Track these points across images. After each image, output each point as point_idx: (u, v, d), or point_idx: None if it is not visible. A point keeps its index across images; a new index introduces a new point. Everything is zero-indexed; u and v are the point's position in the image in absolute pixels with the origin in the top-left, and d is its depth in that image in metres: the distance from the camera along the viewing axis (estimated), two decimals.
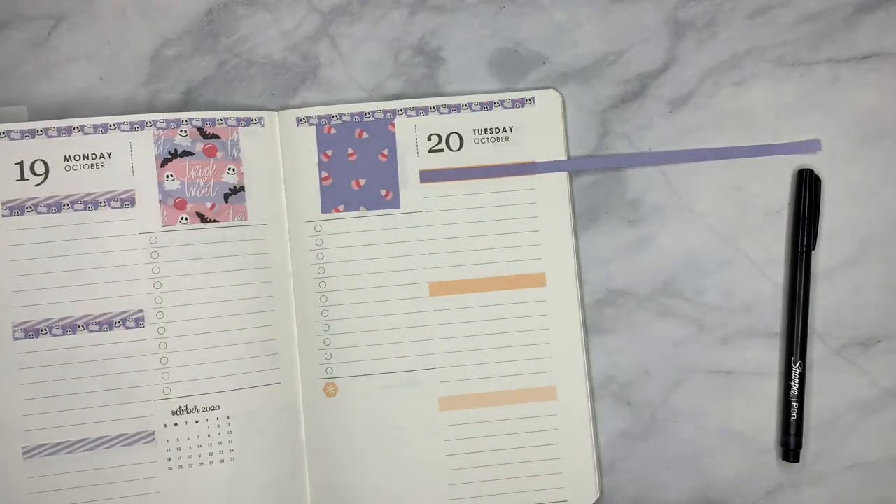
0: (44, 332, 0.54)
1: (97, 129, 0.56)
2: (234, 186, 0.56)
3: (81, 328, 0.55)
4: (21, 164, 0.55)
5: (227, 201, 0.56)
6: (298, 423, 0.56)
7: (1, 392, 0.54)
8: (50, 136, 0.55)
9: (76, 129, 0.55)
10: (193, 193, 0.56)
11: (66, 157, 0.55)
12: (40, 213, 0.55)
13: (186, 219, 0.56)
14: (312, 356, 0.56)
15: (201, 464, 0.55)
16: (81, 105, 0.58)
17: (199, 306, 0.55)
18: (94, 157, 0.55)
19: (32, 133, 0.55)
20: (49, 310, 0.55)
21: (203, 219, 0.56)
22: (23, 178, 0.55)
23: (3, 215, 0.55)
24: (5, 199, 0.55)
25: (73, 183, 0.55)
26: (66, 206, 0.55)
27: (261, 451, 0.56)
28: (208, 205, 0.56)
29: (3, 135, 0.55)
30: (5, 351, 0.54)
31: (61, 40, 0.58)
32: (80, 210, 0.55)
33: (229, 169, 0.56)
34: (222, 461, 0.55)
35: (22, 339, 0.54)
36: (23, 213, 0.55)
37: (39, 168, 0.55)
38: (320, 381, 0.56)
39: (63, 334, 0.54)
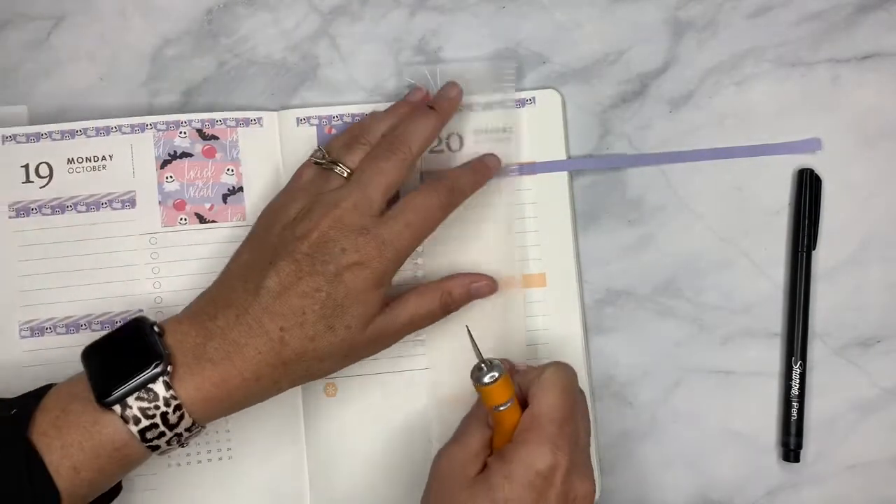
0: (48, 330, 0.55)
1: (99, 131, 0.56)
2: (233, 187, 0.56)
3: (84, 327, 0.55)
4: (27, 166, 0.56)
5: (225, 202, 0.56)
6: (298, 422, 0.56)
7: (9, 390, 0.54)
8: (54, 140, 0.56)
9: (79, 132, 0.56)
10: (192, 194, 0.56)
11: (69, 159, 0.56)
12: (45, 214, 0.56)
13: (185, 220, 0.56)
14: None
15: (199, 461, 0.55)
16: (81, 105, 0.58)
17: None
18: (96, 159, 0.56)
19: (37, 136, 0.56)
20: (53, 309, 0.55)
21: (201, 219, 0.56)
22: (28, 180, 0.56)
23: (10, 217, 0.55)
24: (12, 200, 0.56)
25: (77, 185, 0.56)
26: (70, 208, 0.56)
27: (259, 450, 0.56)
28: (207, 206, 0.56)
29: (9, 138, 0.56)
30: (13, 349, 0.55)
31: (61, 40, 0.58)
32: (83, 211, 0.56)
33: (228, 170, 0.57)
34: (220, 459, 0.56)
35: (28, 337, 0.55)
36: (28, 215, 0.55)
37: (44, 170, 0.56)
38: (320, 380, 0.56)
39: (67, 333, 0.55)
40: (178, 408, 0.46)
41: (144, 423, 0.46)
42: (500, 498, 0.45)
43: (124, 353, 0.47)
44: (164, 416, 0.46)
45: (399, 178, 0.51)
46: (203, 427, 0.48)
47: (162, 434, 0.46)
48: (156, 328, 0.48)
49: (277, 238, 0.50)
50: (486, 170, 0.55)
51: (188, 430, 0.47)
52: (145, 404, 0.46)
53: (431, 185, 0.52)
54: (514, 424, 0.48)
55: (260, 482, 0.56)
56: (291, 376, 0.49)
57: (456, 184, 0.53)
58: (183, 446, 0.48)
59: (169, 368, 0.46)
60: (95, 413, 0.46)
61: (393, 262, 0.50)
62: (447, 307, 0.54)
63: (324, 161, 0.53)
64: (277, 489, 0.56)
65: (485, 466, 0.47)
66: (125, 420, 0.46)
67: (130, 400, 0.46)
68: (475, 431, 0.49)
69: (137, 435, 0.46)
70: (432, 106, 0.54)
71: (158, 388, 0.46)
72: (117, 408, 0.46)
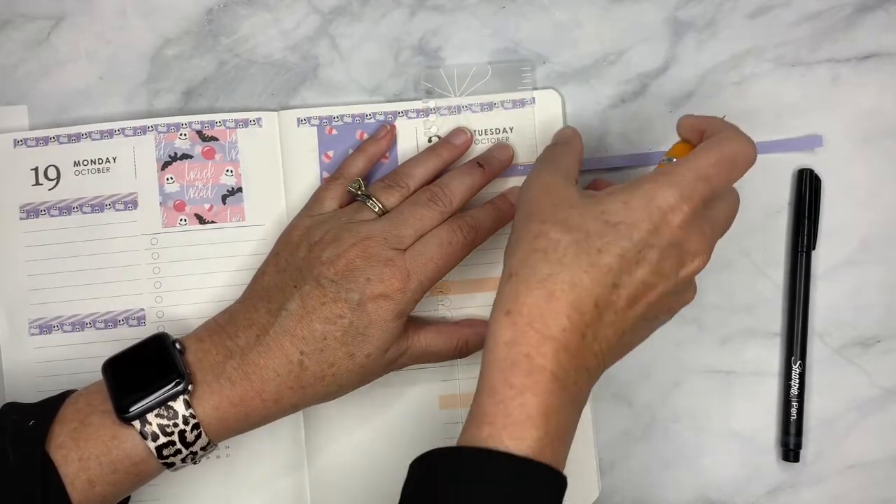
0: (56, 328, 0.56)
1: (103, 134, 0.57)
2: (232, 188, 0.57)
3: (89, 325, 0.56)
4: (36, 169, 0.57)
5: (224, 203, 0.57)
6: (297, 421, 0.56)
7: (20, 385, 0.56)
8: (61, 143, 0.57)
9: (84, 136, 0.57)
10: (192, 195, 0.56)
11: (75, 161, 0.57)
12: (53, 215, 0.57)
13: (185, 220, 0.56)
14: None
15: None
16: (82, 105, 0.58)
17: (195, 306, 0.56)
18: (100, 161, 0.57)
19: (46, 140, 0.57)
20: (60, 307, 0.56)
21: (201, 220, 0.56)
22: (37, 182, 0.57)
23: (21, 218, 0.57)
24: (22, 202, 0.57)
25: (82, 187, 0.57)
26: (76, 209, 0.57)
27: (257, 449, 0.56)
28: (206, 206, 0.56)
29: (20, 142, 0.57)
30: (23, 346, 0.56)
31: (61, 40, 0.58)
32: (88, 213, 0.57)
33: (227, 171, 0.57)
34: (217, 457, 0.56)
35: (37, 334, 0.56)
36: (38, 216, 0.57)
37: (52, 173, 0.57)
38: None
39: (73, 331, 0.56)
40: (196, 426, 0.47)
41: (162, 439, 0.46)
42: (614, 220, 0.42)
43: (146, 368, 0.48)
44: (181, 433, 0.47)
45: (433, 227, 0.52)
46: (216, 446, 0.49)
47: (178, 451, 0.47)
48: (177, 345, 0.49)
49: (303, 260, 0.50)
50: (509, 207, 0.55)
51: (203, 448, 0.48)
52: (164, 421, 0.46)
53: (456, 222, 0.52)
54: None
55: (259, 482, 0.56)
56: (308, 399, 0.50)
57: (479, 223, 0.53)
58: (195, 463, 0.49)
59: (189, 387, 0.47)
60: (114, 427, 0.46)
61: (416, 293, 0.50)
62: (461, 353, 0.55)
63: (359, 192, 0.53)
64: (277, 489, 0.56)
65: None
66: (144, 436, 0.46)
67: (150, 416, 0.46)
68: (565, 157, 0.48)
69: (155, 451, 0.46)
70: (481, 164, 0.55)
71: (178, 405, 0.46)
72: (136, 423, 0.46)
